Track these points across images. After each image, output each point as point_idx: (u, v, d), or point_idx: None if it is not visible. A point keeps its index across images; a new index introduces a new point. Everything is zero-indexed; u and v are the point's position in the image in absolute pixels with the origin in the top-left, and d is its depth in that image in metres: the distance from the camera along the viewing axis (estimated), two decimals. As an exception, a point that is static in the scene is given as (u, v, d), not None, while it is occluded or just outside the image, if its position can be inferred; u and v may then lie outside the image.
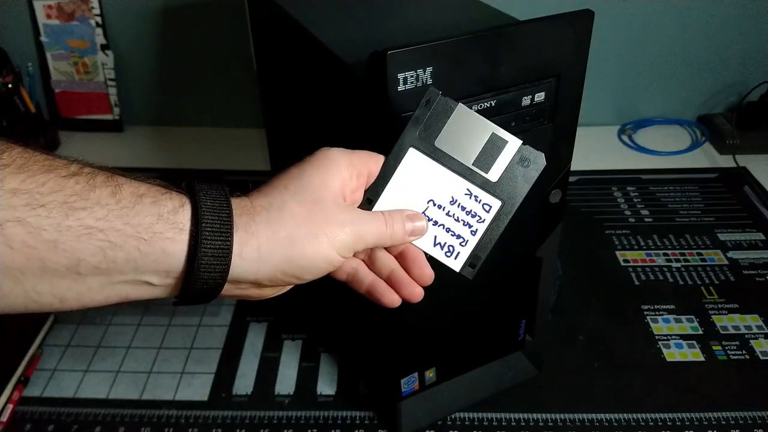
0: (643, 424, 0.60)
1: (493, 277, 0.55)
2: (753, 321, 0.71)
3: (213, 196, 0.33)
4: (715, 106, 1.10)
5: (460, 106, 0.37)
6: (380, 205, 0.38)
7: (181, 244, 0.31)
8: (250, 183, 0.37)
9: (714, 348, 0.67)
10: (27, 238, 0.28)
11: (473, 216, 0.38)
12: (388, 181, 0.38)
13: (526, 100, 0.45)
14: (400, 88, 0.39)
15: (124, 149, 1.05)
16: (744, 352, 0.67)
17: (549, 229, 0.55)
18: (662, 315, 0.72)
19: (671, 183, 0.95)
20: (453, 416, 0.60)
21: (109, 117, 1.08)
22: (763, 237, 0.83)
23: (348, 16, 0.55)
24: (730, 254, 0.80)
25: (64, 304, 0.31)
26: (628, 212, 0.89)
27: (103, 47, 1.02)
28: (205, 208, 0.32)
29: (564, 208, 0.54)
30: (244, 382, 0.65)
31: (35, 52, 1.03)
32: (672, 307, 0.73)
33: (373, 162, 0.38)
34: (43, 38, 1.02)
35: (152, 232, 0.30)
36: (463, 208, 0.38)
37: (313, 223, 0.34)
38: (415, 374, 0.57)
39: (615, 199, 0.91)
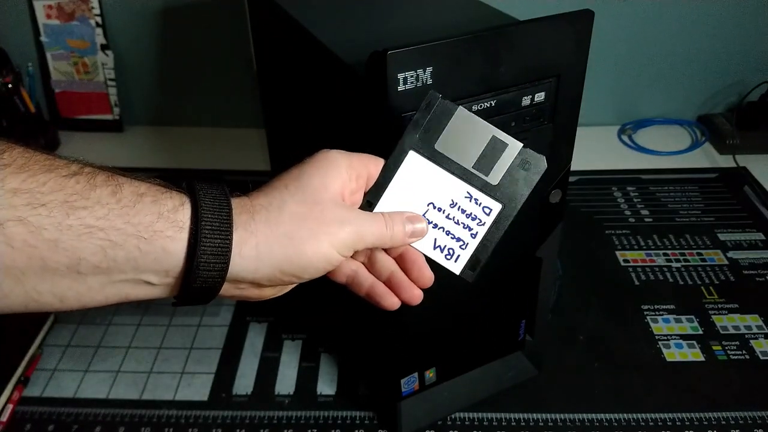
0: (643, 424, 0.60)
1: (493, 277, 0.55)
2: (753, 321, 0.71)
3: (213, 195, 0.33)
4: (715, 106, 1.10)
5: (460, 109, 0.37)
6: (380, 207, 0.38)
7: (181, 242, 0.31)
8: (250, 183, 0.37)
9: (714, 348, 0.67)
10: (28, 237, 0.28)
11: (473, 219, 0.38)
12: (388, 184, 0.38)
13: (526, 100, 0.45)
14: (400, 88, 0.39)
15: (124, 149, 1.05)
16: (744, 352, 0.67)
17: (549, 229, 0.55)
18: (662, 315, 0.72)
19: (671, 183, 0.95)
20: (453, 416, 0.60)
21: (109, 117, 1.08)
22: (763, 237, 0.83)
23: (348, 16, 0.55)
24: (730, 254, 0.80)
25: (64, 304, 0.31)
26: (628, 212, 0.89)
27: (103, 47, 1.02)
28: (205, 206, 0.32)
29: (564, 208, 0.54)
30: (244, 382, 0.65)
31: (35, 52, 1.03)
32: (672, 307, 0.73)
33: (373, 164, 0.38)
34: (43, 38, 1.02)
35: (152, 231, 0.30)
36: (463, 211, 0.38)
37: (313, 222, 0.34)
38: (415, 374, 0.57)
39: (615, 199, 0.92)
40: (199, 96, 1.08)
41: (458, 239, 0.38)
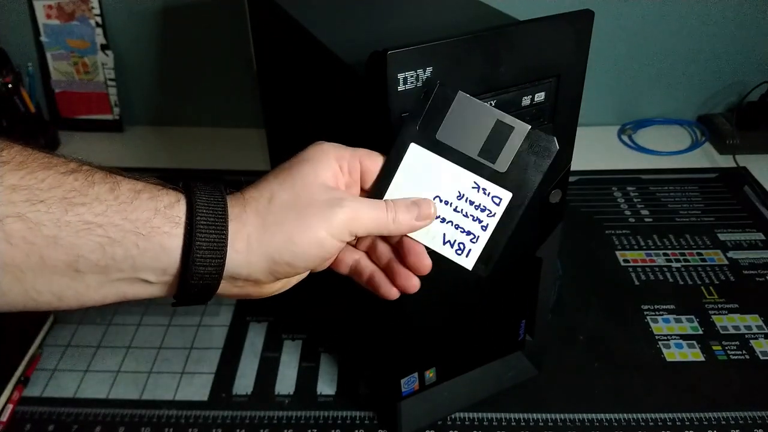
0: (643, 424, 0.60)
1: (493, 277, 0.55)
2: (753, 321, 0.71)
3: (208, 191, 0.33)
4: (715, 106, 1.10)
5: (460, 94, 0.36)
6: None
7: (177, 238, 0.31)
8: (244, 180, 0.37)
9: (714, 348, 0.67)
10: (27, 233, 0.28)
11: (483, 210, 0.36)
12: (390, 180, 0.36)
13: (526, 100, 0.45)
14: (400, 88, 0.39)
15: (124, 149, 1.05)
16: (744, 352, 0.67)
17: (549, 229, 0.55)
18: (662, 315, 0.72)
19: (671, 183, 0.95)
20: (453, 416, 0.60)
21: (109, 117, 1.08)
22: (763, 237, 0.83)
23: (348, 16, 0.55)
24: (730, 254, 0.80)
25: (62, 303, 0.31)
26: (628, 212, 0.89)
27: (103, 47, 1.02)
28: (200, 202, 0.32)
29: (564, 208, 0.54)
30: (244, 382, 0.65)
31: (35, 52, 1.03)
32: (672, 307, 0.73)
33: (367, 158, 0.37)
34: (43, 38, 1.02)
35: (150, 227, 0.31)
36: (472, 203, 0.36)
37: (302, 207, 0.33)
38: (415, 374, 0.57)
39: (615, 199, 0.91)
40: (199, 96, 1.08)
41: (468, 233, 0.36)
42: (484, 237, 0.37)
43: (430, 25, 0.51)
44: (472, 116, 0.36)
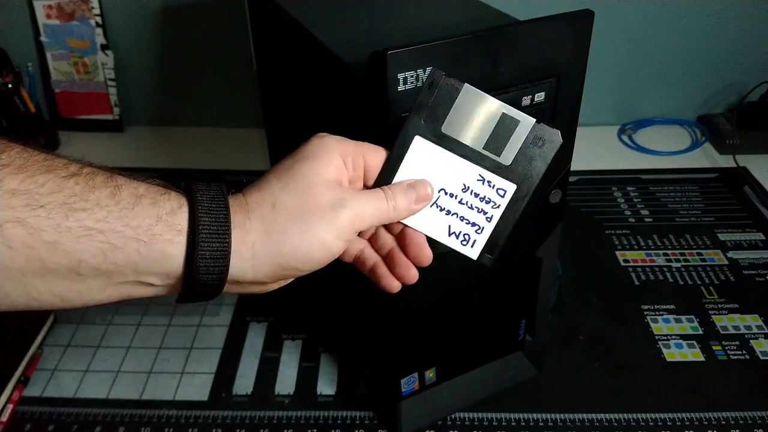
0: (643, 424, 0.60)
1: (493, 277, 0.55)
2: (753, 321, 0.71)
3: (210, 197, 0.33)
4: (715, 106, 1.10)
5: (467, 86, 0.36)
6: None
7: (180, 246, 0.31)
8: (245, 180, 0.36)
9: (714, 348, 0.67)
10: (27, 238, 0.28)
11: (487, 202, 0.37)
12: (395, 173, 0.36)
13: (526, 100, 0.45)
14: (400, 88, 0.39)
15: (124, 149, 1.05)
16: (744, 352, 0.67)
17: (549, 229, 0.55)
18: (662, 315, 0.72)
19: (671, 183, 0.95)
20: (453, 416, 0.60)
21: (109, 117, 1.08)
22: (763, 237, 0.83)
23: (348, 16, 0.55)
24: (730, 254, 0.80)
25: (65, 303, 0.31)
26: (628, 212, 0.89)
27: (103, 47, 1.02)
28: (202, 209, 0.32)
29: (564, 208, 0.54)
30: (244, 382, 0.65)
31: (35, 52, 1.03)
32: (672, 307, 0.73)
33: (371, 153, 0.37)
34: (43, 38, 1.02)
35: (151, 234, 0.30)
36: (477, 195, 0.37)
37: (306, 212, 0.33)
38: (415, 374, 0.57)
39: (615, 199, 0.91)
40: (199, 96, 1.08)
41: (473, 224, 0.37)
42: (489, 228, 0.37)
43: (430, 25, 0.51)
44: (478, 109, 0.36)
